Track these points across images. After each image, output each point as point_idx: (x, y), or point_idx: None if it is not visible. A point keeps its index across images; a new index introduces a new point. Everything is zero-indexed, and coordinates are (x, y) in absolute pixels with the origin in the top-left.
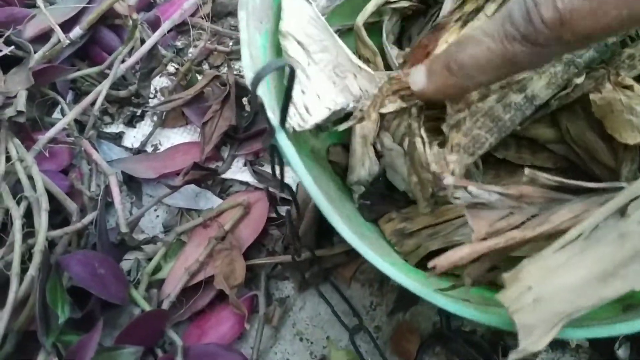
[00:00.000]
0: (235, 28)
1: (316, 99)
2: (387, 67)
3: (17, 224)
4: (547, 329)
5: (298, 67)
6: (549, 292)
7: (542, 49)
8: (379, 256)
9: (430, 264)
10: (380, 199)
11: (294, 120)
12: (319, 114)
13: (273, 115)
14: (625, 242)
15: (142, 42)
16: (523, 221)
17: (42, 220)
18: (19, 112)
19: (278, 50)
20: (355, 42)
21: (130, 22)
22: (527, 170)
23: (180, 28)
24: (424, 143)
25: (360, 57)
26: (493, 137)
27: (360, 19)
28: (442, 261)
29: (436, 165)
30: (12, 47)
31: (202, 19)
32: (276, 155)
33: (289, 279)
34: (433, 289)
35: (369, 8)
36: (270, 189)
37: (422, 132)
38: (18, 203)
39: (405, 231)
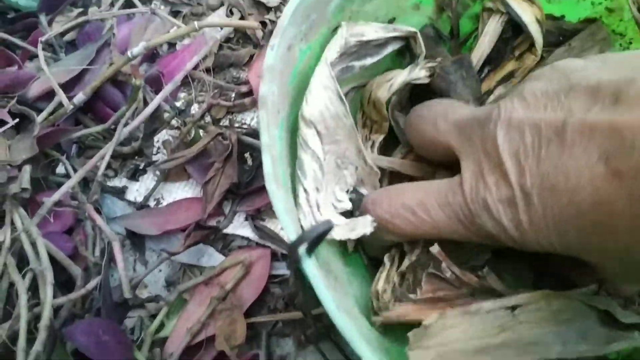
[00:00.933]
0: (238, 80)
1: (331, 195)
2: (392, 130)
3: (23, 299)
4: None
5: (313, 157)
6: (440, 344)
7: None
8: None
9: (383, 317)
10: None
11: (308, 219)
12: (327, 214)
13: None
14: (502, 332)
15: (145, 102)
16: (455, 298)
17: (47, 295)
18: (24, 189)
19: (291, 132)
20: (363, 104)
21: (134, 83)
22: (485, 270)
23: (183, 81)
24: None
25: (364, 114)
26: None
27: (383, 94)
28: (391, 314)
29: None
30: (17, 119)
31: (203, 72)
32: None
33: (290, 336)
34: None
35: (395, 85)
36: (271, 246)
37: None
38: (24, 276)
39: None
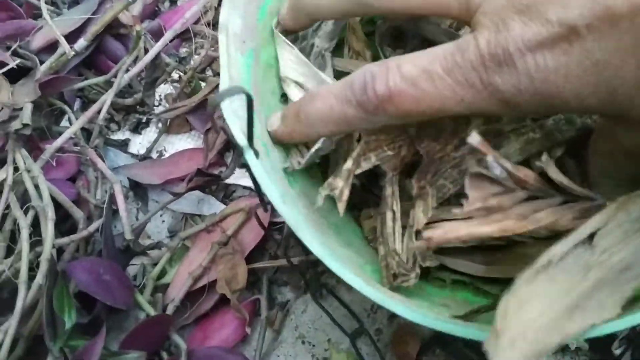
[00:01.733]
0: None
1: None
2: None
3: (24, 233)
4: None
5: None
6: (521, 332)
7: (372, 117)
8: (359, 270)
9: (426, 235)
10: (364, 189)
11: (295, 159)
12: (315, 146)
13: (242, 135)
14: (589, 273)
15: (146, 51)
16: (511, 205)
17: (48, 230)
18: (25, 125)
19: (267, 66)
20: (347, 35)
21: (135, 30)
22: (544, 157)
23: (185, 35)
24: (394, 220)
25: (350, 49)
26: (455, 187)
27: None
28: (439, 236)
29: (404, 255)
30: (19, 60)
31: (205, 26)
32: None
33: (288, 284)
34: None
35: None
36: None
37: (395, 205)
38: (25, 213)
39: None
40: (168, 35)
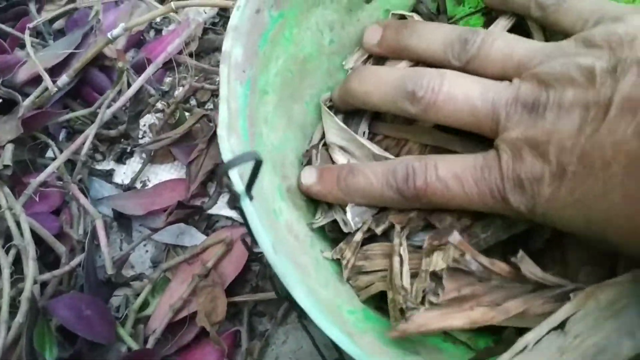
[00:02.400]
0: None
1: None
2: None
3: (6, 273)
4: None
5: None
6: None
7: (407, 202)
8: (337, 311)
9: (400, 328)
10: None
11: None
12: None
13: (239, 180)
14: (563, 356)
15: (130, 85)
16: (484, 293)
17: (30, 269)
18: (5, 166)
19: (262, 93)
20: None
21: (118, 66)
22: (520, 254)
23: (168, 65)
24: (401, 263)
25: None
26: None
27: None
28: (413, 329)
29: (411, 290)
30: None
31: (188, 57)
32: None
33: (266, 315)
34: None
35: None
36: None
37: (403, 250)
38: (7, 252)
39: (362, 269)
40: (150, 70)
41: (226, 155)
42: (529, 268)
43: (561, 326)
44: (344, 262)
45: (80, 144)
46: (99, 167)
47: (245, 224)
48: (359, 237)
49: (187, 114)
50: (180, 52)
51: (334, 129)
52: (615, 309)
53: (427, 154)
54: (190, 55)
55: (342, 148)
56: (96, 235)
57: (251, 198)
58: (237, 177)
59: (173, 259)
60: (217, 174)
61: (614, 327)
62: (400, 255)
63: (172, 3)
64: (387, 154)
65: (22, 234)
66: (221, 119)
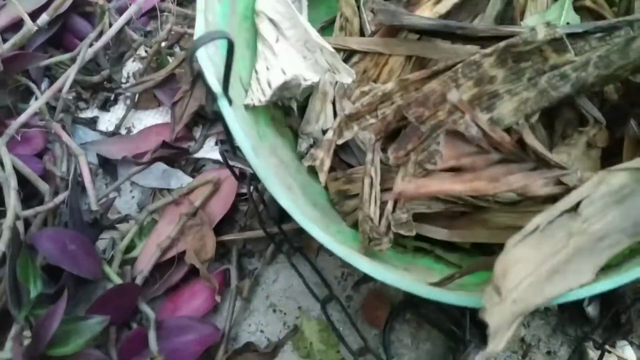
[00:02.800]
0: None
1: (280, 74)
2: (361, 29)
3: None
4: (507, 328)
5: (265, 44)
6: (509, 290)
7: None
8: (325, 230)
9: (398, 189)
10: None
11: (256, 95)
12: (278, 82)
13: (217, 83)
14: (570, 240)
15: (111, 26)
16: (483, 167)
17: (11, 199)
18: None
19: (243, 18)
20: (339, 2)
21: (99, 5)
22: (521, 121)
23: (152, 13)
24: (371, 186)
25: (341, 16)
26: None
27: None
28: (411, 190)
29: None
30: None
31: (172, 2)
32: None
33: (258, 253)
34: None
35: None
36: (239, 166)
37: (374, 171)
38: None
39: (348, 193)
40: (132, 9)
41: (204, 63)
42: (531, 140)
43: (574, 208)
44: (317, 164)
45: (61, 84)
46: (82, 115)
47: (224, 126)
48: (329, 135)
49: (170, 58)
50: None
51: None
52: (623, 194)
53: (408, 68)
54: (174, 1)
55: (272, 21)
56: (80, 172)
57: (230, 102)
58: (214, 79)
59: (159, 200)
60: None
61: (619, 212)
62: (371, 177)
63: None
64: (326, 44)
65: (3, 168)
66: (197, 30)
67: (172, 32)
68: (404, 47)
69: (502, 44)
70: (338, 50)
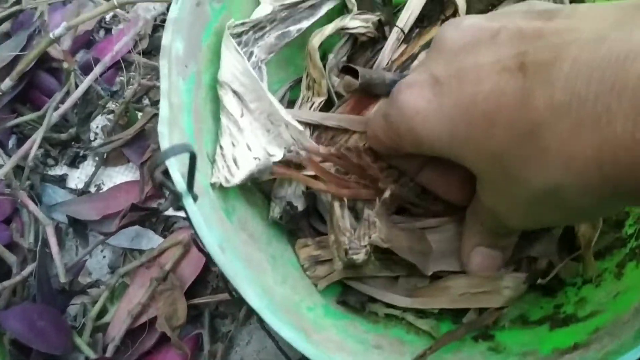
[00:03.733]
0: None
1: (246, 150)
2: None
3: None
4: None
5: (230, 118)
6: None
7: None
8: (296, 309)
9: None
10: (303, 215)
11: (222, 172)
12: (246, 166)
13: (181, 179)
14: None
15: (77, 87)
16: None
17: None
18: None
19: (209, 89)
20: (306, 62)
21: (65, 67)
22: None
23: (119, 65)
24: (341, 207)
25: (308, 76)
26: None
27: (317, 41)
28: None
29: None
30: None
31: (139, 55)
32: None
33: (228, 316)
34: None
35: (327, 31)
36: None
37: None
38: None
39: (319, 258)
40: (97, 69)
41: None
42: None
43: None
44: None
45: (28, 148)
46: (51, 172)
47: (190, 224)
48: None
49: (139, 113)
50: (130, 51)
51: (235, 68)
52: None
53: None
54: (140, 53)
55: (236, 93)
56: (48, 243)
57: (195, 198)
58: (179, 176)
59: (130, 263)
60: (150, 171)
61: None
62: (340, 202)
63: (114, 0)
64: (291, 120)
65: None
66: (162, 115)
67: (140, 86)
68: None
69: None
70: (301, 122)
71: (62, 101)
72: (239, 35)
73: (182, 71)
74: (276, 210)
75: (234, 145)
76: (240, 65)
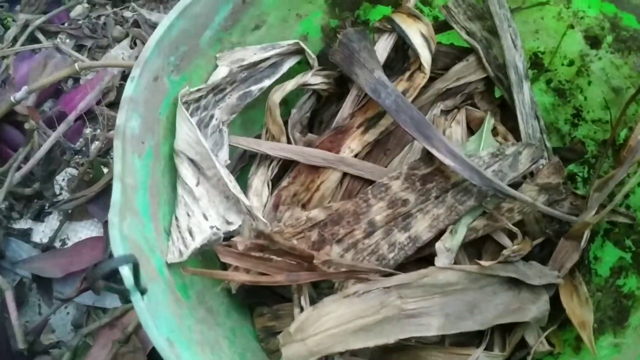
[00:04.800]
0: None
1: (202, 219)
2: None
3: None
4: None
5: (185, 188)
6: (310, 335)
7: None
8: None
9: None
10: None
11: (177, 245)
12: (200, 237)
13: (129, 274)
14: (382, 309)
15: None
16: None
17: None
18: None
19: (168, 159)
20: (266, 118)
21: (27, 126)
22: None
23: (88, 115)
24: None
25: (267, 131)
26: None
27: (278, 96)
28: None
29: None
30: None
31: (106, 107)
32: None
33: None
34: None
35: (288, 87)
36: None
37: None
38: None
39: (273, 330)
40: (61, 129)
41: (116, 247)
42: None
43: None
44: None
45: None
46: (16, 225)
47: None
48: None
49: (104, 168)
50: (98, 103)
51: (190, 137)
52: (451, 289)
53: (338, 196)
54: (108, 105)
55: (192, 161)
56: (7, 307)
57: (143, 291)
58: (127, 271)
59: (94, 322)
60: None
61: (438, 302)
62: (301, 307)
63: (76, 65)
64: (242, 196)
65: None
66: (114, 200)
67: (106, 140)
68: (317, 157)
69: (404, 167)
70: (254, 156)
71: (27, 157)
72: (197, 100)
73: (139, 148)
74: (233, 285)
75: (189, 215)
76: (193, 133)
